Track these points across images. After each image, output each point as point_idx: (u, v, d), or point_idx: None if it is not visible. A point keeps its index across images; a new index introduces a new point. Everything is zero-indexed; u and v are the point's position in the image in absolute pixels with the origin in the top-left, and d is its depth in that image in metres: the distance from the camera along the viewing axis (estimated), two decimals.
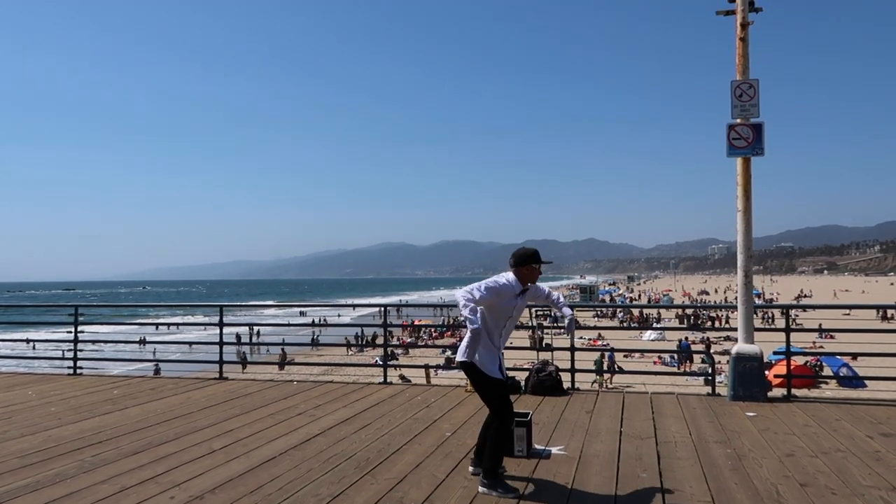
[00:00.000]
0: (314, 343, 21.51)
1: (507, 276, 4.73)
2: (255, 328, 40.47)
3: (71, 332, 10.97)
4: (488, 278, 4.70)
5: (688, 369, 26.73)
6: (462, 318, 4.54)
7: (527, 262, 4.73)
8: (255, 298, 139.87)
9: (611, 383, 23.28)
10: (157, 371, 20.07)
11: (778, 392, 8.18)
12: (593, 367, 19.75)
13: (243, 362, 25.75)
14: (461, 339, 4.94)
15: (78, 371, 10.51)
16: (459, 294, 4.51)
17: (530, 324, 7.72)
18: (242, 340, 37.51)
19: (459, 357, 4.81)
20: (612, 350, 14.39)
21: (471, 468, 5.02)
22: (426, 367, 19.95)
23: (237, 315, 59.42)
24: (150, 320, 50.83)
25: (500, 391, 4.70)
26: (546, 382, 8.15)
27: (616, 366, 24.24)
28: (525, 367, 8.92)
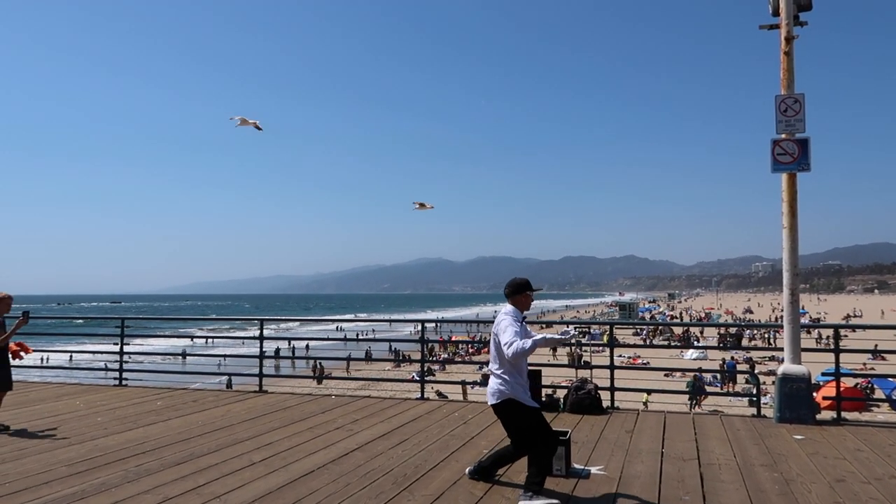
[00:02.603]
0: (368, 358, 21.78)
1: (507, 310, 4.91)
2: (304, 343, 41.00)
3: (117, 343, 11.26)
4: (502, 321, 4.79)
5: (731, 389, 26.05)
6: (529, 350, 4.62)
7: (523, 290, 4.95)
8: (299, 313, 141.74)
9: (699, 407, 22.67)
10: (229, 384, 20.58)
11: (827, 415, 7.92)
12: (686, 389, 19.37)
13: (313, 376, 26.27)
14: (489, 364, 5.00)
15: (123, 382, 10.78)
16: (510, 349, 4.61)
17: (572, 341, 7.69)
18: (281, 354, 38.06)
19: (492, 400, 4.85)
20: (702, 371, 14.12)
21: (469, 470, 5.25)
22: (463, 383, 19.88)
23: (279, 329, 60.24)
24: (196, 332, 51.81)
25: (541, 416, 4.86)
26: (585, 401, 8.04)
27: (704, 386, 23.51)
28: (563, 384, 8.82)
